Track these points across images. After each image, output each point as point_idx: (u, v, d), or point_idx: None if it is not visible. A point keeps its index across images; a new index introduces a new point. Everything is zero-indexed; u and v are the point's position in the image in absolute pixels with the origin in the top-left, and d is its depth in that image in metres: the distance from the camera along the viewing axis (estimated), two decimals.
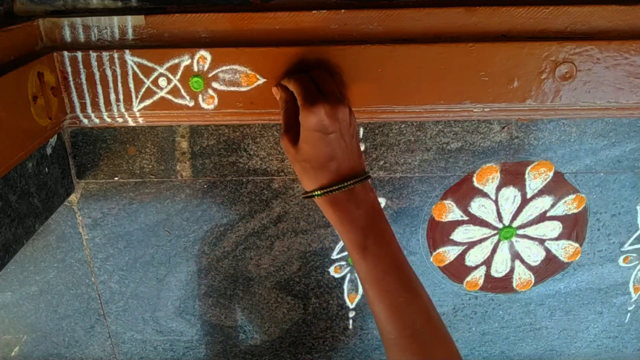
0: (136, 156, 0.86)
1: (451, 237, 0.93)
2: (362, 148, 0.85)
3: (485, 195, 0.89)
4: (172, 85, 0.75)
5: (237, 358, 1.07)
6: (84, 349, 1.07)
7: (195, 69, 0.74)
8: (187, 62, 0.74)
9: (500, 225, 0.92)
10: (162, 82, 0.75)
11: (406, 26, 0.73)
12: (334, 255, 0.95)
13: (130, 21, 0.74)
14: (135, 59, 0.74)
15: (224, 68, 0.74)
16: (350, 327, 1.03)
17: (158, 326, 1.03)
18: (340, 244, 0.94)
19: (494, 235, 0.93)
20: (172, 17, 0.73)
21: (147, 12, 0.74)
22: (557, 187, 0.88)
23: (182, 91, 0.76)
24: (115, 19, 0.73)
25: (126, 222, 0.92)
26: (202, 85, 0.75)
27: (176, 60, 0.74)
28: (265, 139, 0.84)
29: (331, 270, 0.97)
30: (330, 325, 1.03)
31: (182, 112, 0.77)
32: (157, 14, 0.74)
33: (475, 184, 0.88)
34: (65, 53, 0.73)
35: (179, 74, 0.75)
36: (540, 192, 0.89)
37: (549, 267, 0.96)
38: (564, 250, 0.94)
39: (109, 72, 0.75)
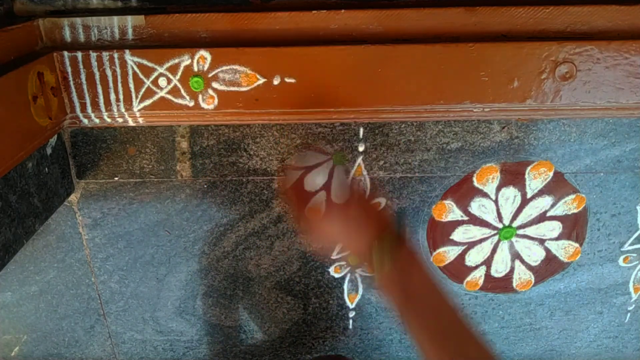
0: (136, 156, 0.86)
1: (451, 237, 0.93)
2: (362, 148, 0.85)
3: (485, 195, 0.89)
4: (172, 85, 0.75)
5: (237, 358, 1.07)
6: (84, 349, 1.07)
7: (195, 69, 0.74)
8: (187, 62, 0.74)
9: (500, 225, 0.92)
10: (162, 82, 0.75)
11: (406, 26, 0.73)
12: (334, 255, 0.95)
13: (130, 21, 0.74)
14: (135, 59, 0.74)
15: (224, 68, 0.74)
16: (350, 327, 1.03)
17: (158, 326, 1.03)
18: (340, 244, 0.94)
19: (494, 235, 0.93)
20: (172, 17, 0.73)
21: (147, 12, 0.74)
22: (557, 187, 0.88)
23: (182, 91, 0.76)
24: (115, 19, 0.73)
25: (126, 222, 0.92)
26: (202, 85, 0.75)
27: (176, 60, 0.74)
28: (266, 139, 0.84)
29: (331, 270, 0.97)
30: (330, 325, 1.03)
31: (182, 112, 0.77)
32: (157, 14, 0.74)
33: (476, 184, 0.88)
34: (65, 53, 0.73)
35: (179, 73, 0.75)
36: (540, 192, 0.89)
37: (549, 267, 0.96)
38: (564, 250, 0.94)
39: (109, 72, 0.75)
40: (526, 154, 0.86)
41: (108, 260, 0.96)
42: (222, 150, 0.85)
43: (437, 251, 0.94)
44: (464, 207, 0.90)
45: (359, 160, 0.86)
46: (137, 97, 0.76)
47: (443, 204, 0.90)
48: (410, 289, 0.62)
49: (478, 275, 0.97)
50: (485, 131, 0.84)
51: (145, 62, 0.74)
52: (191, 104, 0.76)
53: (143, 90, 0.76)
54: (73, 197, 0.89)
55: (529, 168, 0.87)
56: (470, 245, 0.94)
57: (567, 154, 0.86)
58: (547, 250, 0.94)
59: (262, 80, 0.75)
